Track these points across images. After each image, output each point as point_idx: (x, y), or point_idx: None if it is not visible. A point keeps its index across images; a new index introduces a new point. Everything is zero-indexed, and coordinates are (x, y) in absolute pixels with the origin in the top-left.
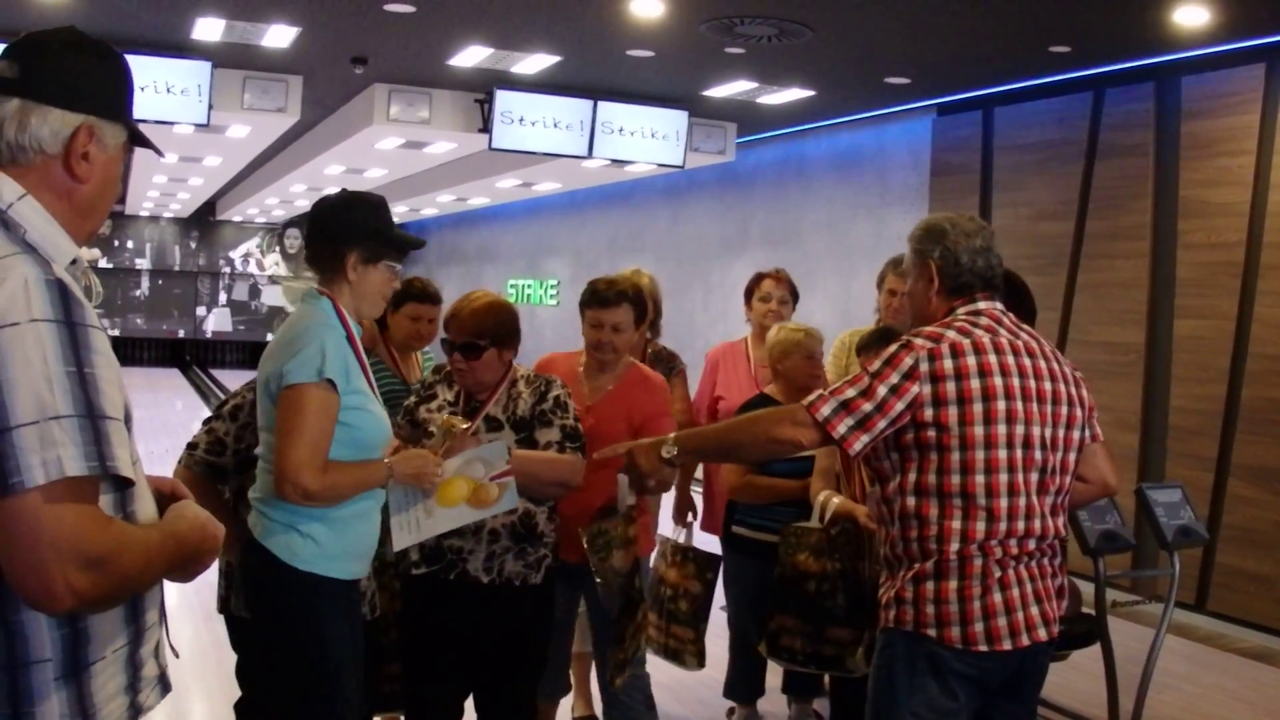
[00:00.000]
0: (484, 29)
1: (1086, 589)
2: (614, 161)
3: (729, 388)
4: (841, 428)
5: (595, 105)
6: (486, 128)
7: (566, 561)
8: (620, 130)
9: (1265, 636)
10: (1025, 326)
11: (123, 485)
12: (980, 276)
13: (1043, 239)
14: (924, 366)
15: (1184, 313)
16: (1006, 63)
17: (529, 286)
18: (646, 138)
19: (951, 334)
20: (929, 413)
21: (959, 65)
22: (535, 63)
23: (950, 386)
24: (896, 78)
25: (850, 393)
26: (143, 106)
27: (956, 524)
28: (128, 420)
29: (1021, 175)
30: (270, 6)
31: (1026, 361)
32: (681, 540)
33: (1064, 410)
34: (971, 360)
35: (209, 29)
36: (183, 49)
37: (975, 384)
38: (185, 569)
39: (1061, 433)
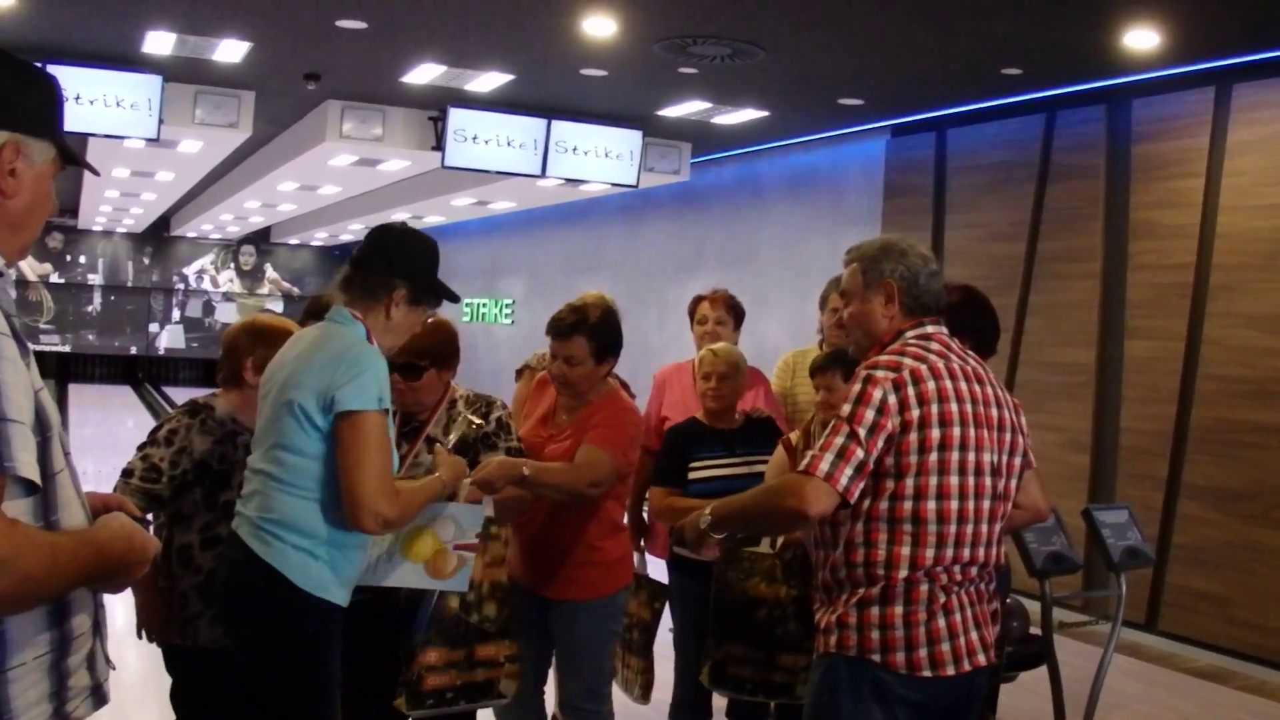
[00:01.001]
0: (437, 46)
1: (1034, 609)
2: (568, 181)
3: (674, 408)
4: (844, 479)
5: (549, 124)
6: (440, 145)
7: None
8: (574, 149)
9: (1216, 656)
10: (970, 353)
11: (32, 490)
12: (936, 299)
13: (995, 260)
14: (892, 399)
15: (1135, 334)
16: (959, 85)
17: (484, 306)
18: (600, 157)
19: (909, 360)
20: (894, 441)
21: (912, 87)
22: (488, 81)
23: (913, 414)
24: (850, 99)
25: (839, 440)
26: (92, 119)
27: (906, 550)
28: (47, 429)
29: (974, 196)
30: (221, 21)
31: (976, 388)
32: (635, 566)
33: (1008, 437)
34: (930, 386)
35: (160, 42)
36: (133, 62)
37: (934, 409)
38: (111, 579)
39: (1006, 459)
